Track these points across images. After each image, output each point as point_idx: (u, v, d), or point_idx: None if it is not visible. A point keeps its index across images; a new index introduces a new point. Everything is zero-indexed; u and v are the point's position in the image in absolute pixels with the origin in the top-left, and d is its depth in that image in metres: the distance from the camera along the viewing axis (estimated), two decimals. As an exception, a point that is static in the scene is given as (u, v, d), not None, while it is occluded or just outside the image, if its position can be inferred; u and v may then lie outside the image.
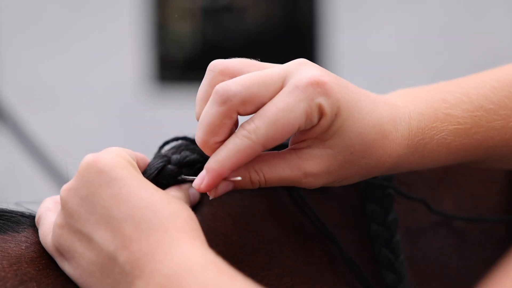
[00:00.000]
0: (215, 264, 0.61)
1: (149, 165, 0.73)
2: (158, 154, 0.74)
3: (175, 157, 0.73)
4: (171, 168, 0.72)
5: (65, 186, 0.68)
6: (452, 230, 0.84)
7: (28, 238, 0.70)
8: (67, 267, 0.67)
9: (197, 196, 0.74)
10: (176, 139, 0.76)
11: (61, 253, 0.68)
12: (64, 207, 0.67)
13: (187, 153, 0.73)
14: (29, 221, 0.72)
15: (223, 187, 0.67)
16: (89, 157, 0.67)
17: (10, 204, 0.74)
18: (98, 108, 5.42)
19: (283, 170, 0.66)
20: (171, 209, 0.65)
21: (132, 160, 0.69)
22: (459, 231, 0.84)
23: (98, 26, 5.39)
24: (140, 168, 0.71)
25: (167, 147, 0.77)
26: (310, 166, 0.66)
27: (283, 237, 0.75)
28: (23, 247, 0.69)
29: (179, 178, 0.73)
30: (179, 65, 5.74)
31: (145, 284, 0.61)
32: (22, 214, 0.73)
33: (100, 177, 0.65)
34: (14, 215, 0.72)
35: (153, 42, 5.54)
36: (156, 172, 0.72)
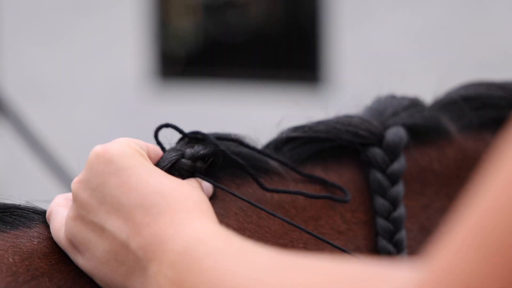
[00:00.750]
0: (224, 233, 0.61)
1: (162, 158, 0.73)
2: (172, 148, 0.74)
3: (188, 151, 0.73)
4: (185, 162, 0.73)
5: (75, 179, 0.69)
6: None
7: (41, 233, 0.70)
8: (81, 260, 0.68)
9: (210, 190, 0.75)
10: (162, 127, 0.74)
11: (75, 246, 0.68)
12: (76, 199, 0.68)
13: (200, 147, 0.74)
14: (41, 217, 0.72)
15: None
16: (97, 148, 0.68)
17: (21, 201, 0.74)
18: (100, 105, 5.42)
19: None
20: (179, 192, 0.65)
21: (141, 149, 0.70)
22: None
23: (100, 24, 5.39)
24: (152, 159, 0.72)
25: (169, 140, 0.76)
26: None
27: (295, 232, 0.75)
28: (35, 242, 0.69)
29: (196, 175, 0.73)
30: (181, 61, 5.74)
31: (158, 265, 0.61)
32: (34, 211, 0.73)
33: (109, 167, 0.66)
34: (26, 211, 0.72)
35: (155, 38, 5.54)
36: (169, 165, 0.72)
